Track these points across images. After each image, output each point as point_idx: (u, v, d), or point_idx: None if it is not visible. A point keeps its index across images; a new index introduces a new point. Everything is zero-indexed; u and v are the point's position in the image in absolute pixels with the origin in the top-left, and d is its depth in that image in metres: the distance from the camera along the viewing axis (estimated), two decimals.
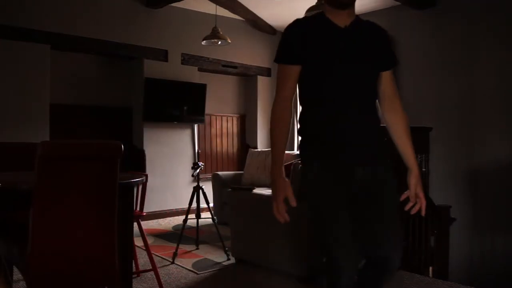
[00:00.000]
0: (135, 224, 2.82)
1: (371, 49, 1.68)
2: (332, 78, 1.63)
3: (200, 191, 3.99)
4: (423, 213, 1.71)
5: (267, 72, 7.05)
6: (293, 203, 1.56)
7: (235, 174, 5.63)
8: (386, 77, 1.73)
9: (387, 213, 1.67)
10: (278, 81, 1.69)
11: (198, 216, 3.98)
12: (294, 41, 1.65)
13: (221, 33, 5.13)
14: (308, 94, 1.71)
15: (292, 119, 1.69)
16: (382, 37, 1.75)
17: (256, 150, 5.79)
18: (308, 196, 1.69)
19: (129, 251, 2.40)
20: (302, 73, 1.67)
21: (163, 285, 3.03)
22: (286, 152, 5.68)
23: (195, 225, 4.21)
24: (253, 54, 6.83)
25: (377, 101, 1.76)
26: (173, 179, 5.93)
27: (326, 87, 1.65)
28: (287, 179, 1.64)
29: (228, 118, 6.94)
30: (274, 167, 1.62)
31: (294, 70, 1.65)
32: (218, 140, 6.81)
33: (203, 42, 5.23)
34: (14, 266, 2.57)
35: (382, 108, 1.77)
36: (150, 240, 4.23)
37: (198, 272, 3.41)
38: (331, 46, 1.63)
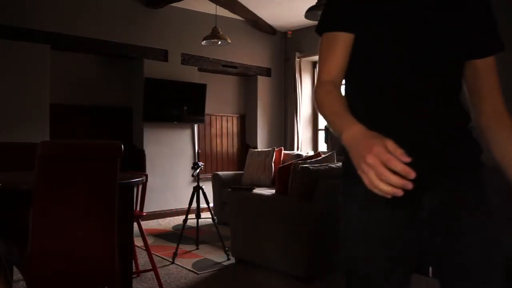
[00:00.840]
0: (135, 224, 2.82)
1: (459, 21, 1.09)
2: (392, 59, 1.09)
3: (200, 191, 3.99)
4: None
5: (267, 72, 7.05)
6: (401, 154, 0.81)
7: (235, 174, 5.63)
8: (484, 66, 1.14)
9: (480, 260, 1.06)
10: (319, 58, 1.16)
11: (198, 216, 3.98)
12: (344, 0, 1.14)
13: (221, 33, 5.13)
14: (355, 82, 1.17)
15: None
16: (479, 5, 1.14)
17: (256, 150, 5.79)
18: (341, 235, 1.16)
19: (129, 251, 2.40)
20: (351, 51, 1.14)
21: (163, 285, 3.03)
22: (286, 152, 5.64)
23: (195, 225, 4.21)
24: (253, 54, 6.83)
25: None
26: (173, 179, 5.93)
27: (382, 72, 1.11)
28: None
29: (228, 118, 6.94)
30: (342, 127, 0.96)
31: (342, 39, 1.11)
32: (218, 140, 6.82)
33: (203, 42, 5.23)
34: (14, 266, 2.57)
35: (475, 111, 1.16)
36: (150, 240, 4.23)
37: (198, 272, 3.41)
38: (395, 11, 1.08)
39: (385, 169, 0.80)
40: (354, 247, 1.13)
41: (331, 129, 1.04)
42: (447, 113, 1.10)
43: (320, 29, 1.16)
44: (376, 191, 0.82)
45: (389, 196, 0.81)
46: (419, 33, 1.07)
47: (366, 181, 0.83)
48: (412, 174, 0.79)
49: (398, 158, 0.80)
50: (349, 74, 1.15)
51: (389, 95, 1.10)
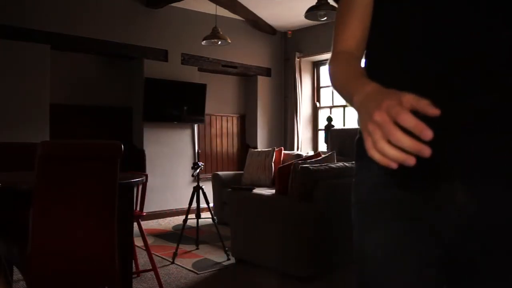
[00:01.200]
0: (135, 224, 2.82)
1: None
2: (422, 23, 0.89)
3: (200, 191, 3.99)
4: None
5: (267, 72, 7.05)
6: (427, 105, 0.63)
7: (235, 174, 5.63)
8: None
9: None
10: (335, 28, 0.99)
11: (198, 216, 3.98)
12: None
13: (221, 33, 5.14)
14: (377, 55, 0.97)
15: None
16: None
17: (256, 150, 5.79)
18: (354, 230, 0.99)
19: (129, 251, 2.40)
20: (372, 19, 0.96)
21: (163, 285, 3.03)
22: (286, 152, 5.63)
23: (195, 225, 4.20)
24: (253, 54, 6.83)
25: None
26: (173, 179, 5.93)
27: (411, 40, 0.90)
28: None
29: (228, 118, 6.94)
30: (354, 89, 0.78)
31: (361, 4, 0.95)
32: (218, 140, 6.82)
33: (203, 42, 5.23)
34: (14, 266, 2.57)
35: None
36: (150, 240, 4.23)
37: (198, 272, 3.41)
38: None
39: (396, 127, 0.61)
40: (362, 237, 0.95)
41: (345, 100, 0.86)
42: (495, 90, 0.85)
43: None
44: (376, 157, 0.63)
45: (395, 166, 0.62)
46: (445, 33, 0.87)
47: (368, 145, 0.64)
48: (428, 133, 0.59)
49: (423, 110, 0.61)
50: (368, 51, 0.99)
51: (410, 73, 0.90)
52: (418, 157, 0.62)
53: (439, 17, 0.89)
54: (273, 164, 5.31)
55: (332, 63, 0.95)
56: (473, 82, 0.89)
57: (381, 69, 0.95)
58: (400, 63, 0.92)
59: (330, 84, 0.94)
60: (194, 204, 4.00)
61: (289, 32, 7.04)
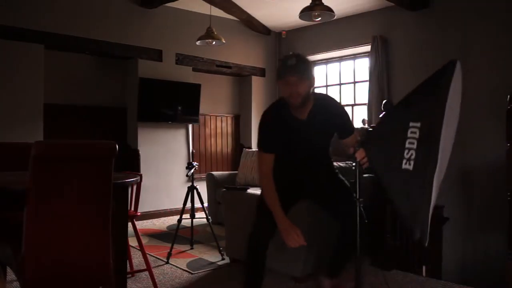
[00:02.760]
0: (130, 224, 2.82)
1: (324, 127, 2.46)
2: (286, 157, 2.52)
3: (195, 191, 3.99)
4: None
5: (261, 72, 7.06)
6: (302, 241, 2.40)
7: (230, 174, 5.63)
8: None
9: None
10: (258, 162, 2.64)
11: (192, 216, 3.98)
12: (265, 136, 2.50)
13: (215, 33, 5.14)
14: (276, 163, 2.48)
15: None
16: (335, 114, 2.49)
17: (250, 150, 5.79)
18: None
19: (123, 251, 2.40)
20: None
21: (158, 285, 3.04)
22: None
23: (189, 225, 4.21)
24: (247, 54, 6.84)
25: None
26: (167, 179, 5.93)
27: (283, 161, 2.50)
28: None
29: (223, 118, 6.95)
30: (279, 217, 2.39)
31: (270, 155, 2.48)
32: (213, 140, 6.82)
33: (198, 42, 5.23)
34: (7, 267, 2.56)
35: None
36: (144, 240, 4.22)
37: (193, 272, 3.42)
38: (287, 140, 2.46)
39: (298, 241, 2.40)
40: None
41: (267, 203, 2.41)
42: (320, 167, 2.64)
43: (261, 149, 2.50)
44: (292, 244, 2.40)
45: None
46: (299, 150, 2.52)
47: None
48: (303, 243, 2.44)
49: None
50: (275, 160, 2.45)
51: (287, 168, 2.55)
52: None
53: (305, 145, 2.53)
54: None
55: (264, 180, 2.45)
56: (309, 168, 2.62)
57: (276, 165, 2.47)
58: (282, 165, 2.51)
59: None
60: (188, 204, 4.00)
61: (283, 32, 7.05)
